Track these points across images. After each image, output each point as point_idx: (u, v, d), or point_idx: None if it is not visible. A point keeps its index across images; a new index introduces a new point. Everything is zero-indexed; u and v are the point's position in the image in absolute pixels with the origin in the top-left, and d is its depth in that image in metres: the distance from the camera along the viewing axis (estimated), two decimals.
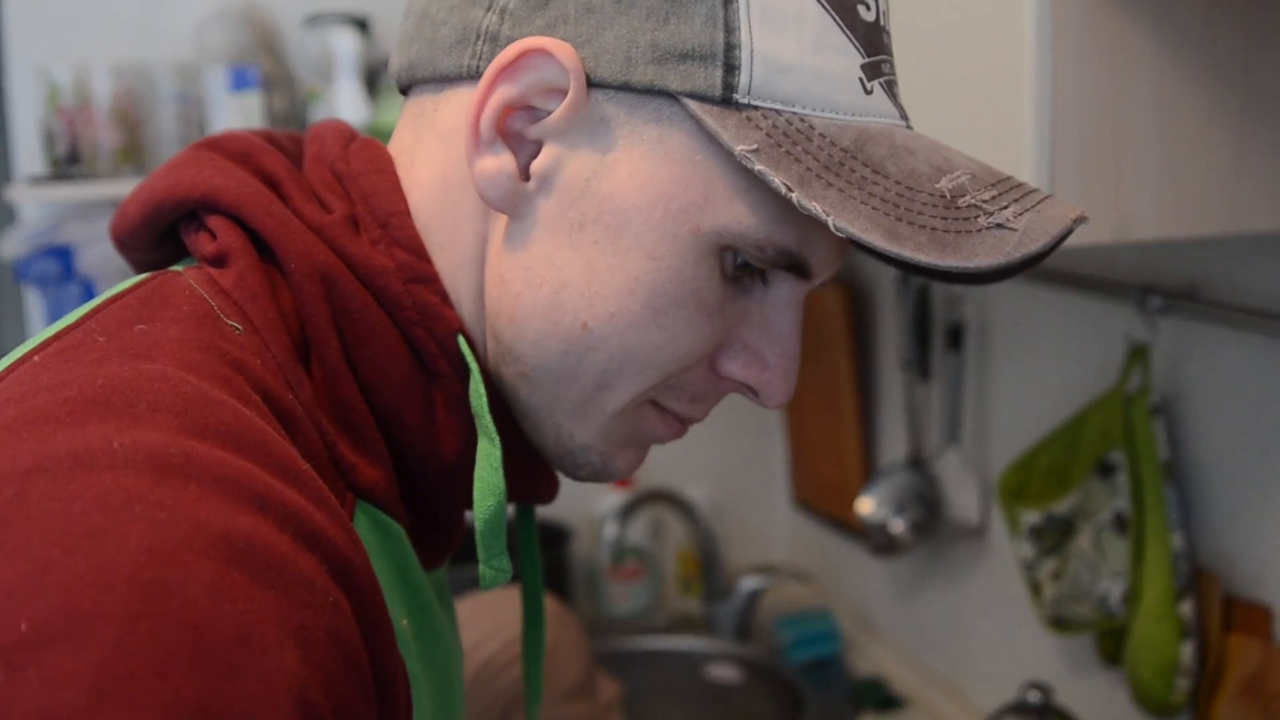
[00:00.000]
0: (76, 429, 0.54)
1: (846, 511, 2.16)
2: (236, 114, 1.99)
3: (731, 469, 2.50)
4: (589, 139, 0.69)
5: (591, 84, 0.68)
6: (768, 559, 2.51)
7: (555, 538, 2.28)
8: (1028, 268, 0.67)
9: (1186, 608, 1.34)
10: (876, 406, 2.16)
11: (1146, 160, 1.01)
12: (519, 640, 1.59)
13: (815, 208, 0.64)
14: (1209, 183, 1.03)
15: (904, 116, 0.73)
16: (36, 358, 0.62)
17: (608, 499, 2.37)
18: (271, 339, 0.68)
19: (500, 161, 0.70)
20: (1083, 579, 1.45)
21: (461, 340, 0.72)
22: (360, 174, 0.75)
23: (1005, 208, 0.66)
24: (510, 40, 0.69)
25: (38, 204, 2.19)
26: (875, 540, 1.94)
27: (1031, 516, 1.49)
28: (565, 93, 0.68)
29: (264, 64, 2.08)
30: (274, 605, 0.52)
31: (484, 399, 0.71)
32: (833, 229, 0.64)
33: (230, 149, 0.75)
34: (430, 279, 0.72)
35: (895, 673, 2.09)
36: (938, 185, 0.67)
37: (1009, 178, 0.70)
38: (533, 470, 0.80)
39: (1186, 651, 1.33)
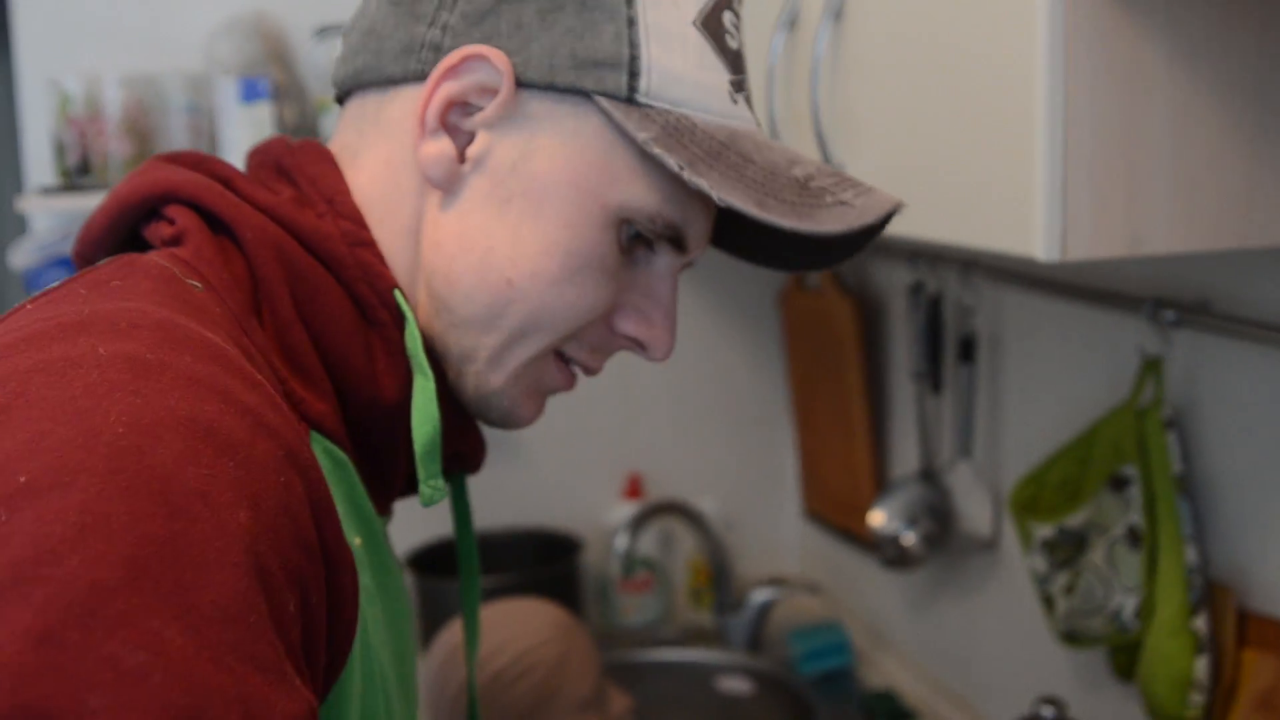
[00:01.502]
0: (68, 341, 0.66)
1: (858, 524, 2.15)
2: (247, 125, 1.99)
3: (742, 481, 2.50)
4: (517, 129, 0.84)
5: (520, 84, 0.83)
6: (779, 571, 2.51)
7: (566, 549, 2.28)
8: (865, 238, 0.87)
9: (1200, 622, 1.34)
10: (888, 419, 2.15)
11: (1159, 174, 1.00)
12: (530, 653, 1.60)
13: (703, 183, 0.80)
14: (1222, 197, 1.03)
15: (759, 124, 0.90)
16: (29, 305, 0.75)
17: (619, 511, 2.37)
18: (226, 294, 0.79)
19: (441, 146, 0.84)
20: (1096, 593, 1.45)
21: (398, 293, 0.85)
22: (306, 164, 0.88)
23: (845, 191, 0.84)
24: (452, 49, 0.83)
25: (49, 214, 2.19)
26: (887, 553, 1.94)
27: (1044, 530, 1.48)
28: (498, 92, 0.83)
29: (275, 75, 2.09)
30: (232, 474, 0.63)
31: (418, 340, 0.84)
32: (716, 199, 0.79)
33: (184, 159, 0.87)
34: (369, 243, 0.85)
35: (907, 686, 2.09)
36: (792, 173, 0.84)
37: (842, 172, 0.88)
38: (458, 426, 0.92)
39: (1201, 666, 1.33)
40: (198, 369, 0.67)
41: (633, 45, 0.82)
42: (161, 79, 2.10)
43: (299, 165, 0.88)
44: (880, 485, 2.14)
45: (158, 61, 2.15)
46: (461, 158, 0.84)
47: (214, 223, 0.82)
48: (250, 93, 2.00)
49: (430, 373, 0.83)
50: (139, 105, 2.06)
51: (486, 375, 0.87)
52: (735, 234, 0.95)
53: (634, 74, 0.82)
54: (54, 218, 2.19)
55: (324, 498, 0.71)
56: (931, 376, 1.89)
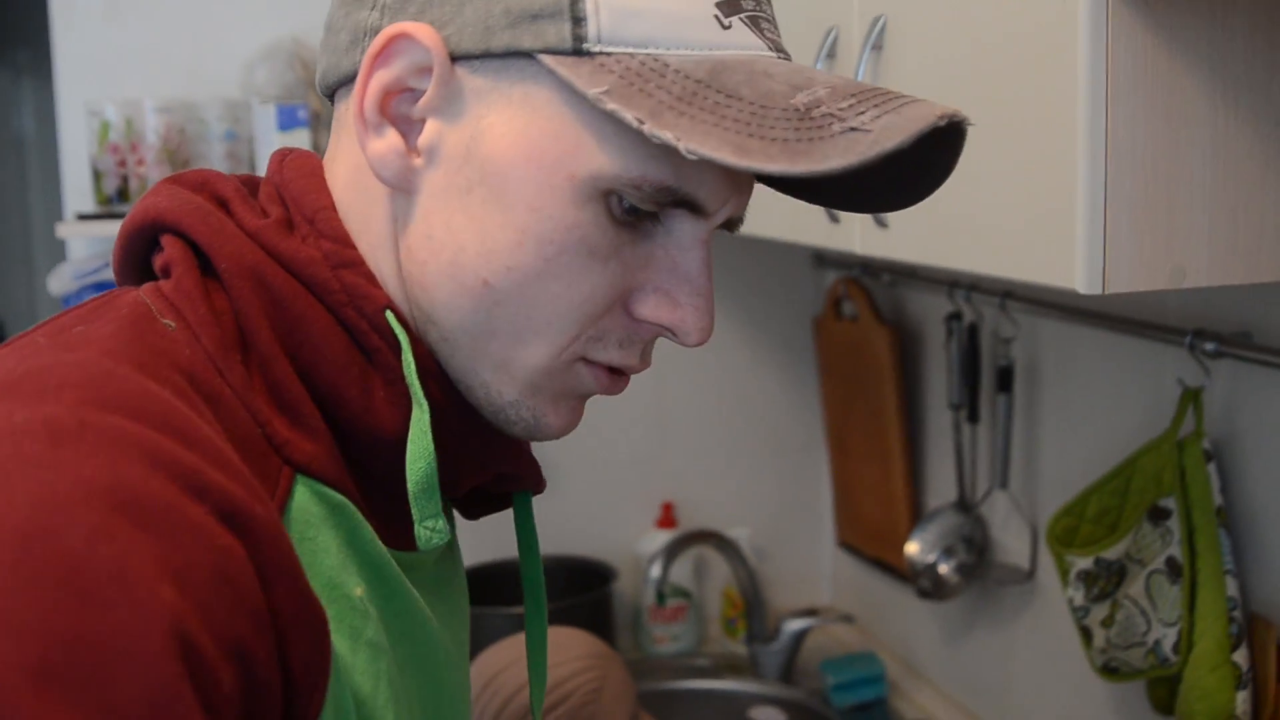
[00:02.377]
0: None
1: (893, 554, 2.15)
2: (274, 150, 2.00)
3: (776, 510, 2.49)
4: (463, 109, 0.74)
5: (458, 57, 0.74)
6: (812, 601, 2.50)
7: (599, 577, 2.28)
8: (944, 159, 0.75)
9: (1241, 656, 1.32)
10: (924, 448, 2.15)
11: (1200, 208, 1.00)
12: (566, 681, 1.59)
13: (667, 135, 0.68)
14: (1263, 230, 1.02)
15: (776, 49, 0.76)
16: None
17: (653, 539, 2.36)
18: (202, 332, 0.73)
19: (388, 142, 0.75)
20: (1135, 625, 1.43)
21: (389, 315, 0.76)
22: (290, 181, 0.80)
23: (862, 113, 0.69)
24: None
25: (87, 241, 2.21)
26: (922, 583, 1.93)
27: (1082, 562, 1.47)
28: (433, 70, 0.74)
29: (311, 102, 2.10)
30: (153, 547, 0.58)
31: (412, 367, 0.76)
32: (684, 152, 0.67)
33: (189, 180, 0.81)
34: (355, 263, 0.77)
35: (942, 717, 2.08)
36: (792, 101, 0.70)
37: (875, 88, 0.72)
38: (496, 445, 0.84)
39: (1241, 700, 1.32)
40: (124, 429, 0.61)
41: None
42: (200, 106, 2.12)
43: (285, 182, 0.81)
44: (916, 515, 2.14)
45: (196, 89, 2.18)
46: (417, 151, 0.76)
47: (201, 251, 0.77)
48: (288, 120, 2.01)
49: (425, 402, 0.76)
50: (178, 132, 2.08)
51: (497, 387, 0.79)
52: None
53: (577, 20, 0.71)
54: (92, 244, 2.21)
55: (280, 557, 0.65)
56: (968, 406, 1.89)
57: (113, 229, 2.02)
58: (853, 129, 0.67)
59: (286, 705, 0.65)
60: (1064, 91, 1.00)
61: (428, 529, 0.76)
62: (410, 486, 0.75)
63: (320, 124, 2.09)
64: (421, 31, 0.73)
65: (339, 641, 0.73)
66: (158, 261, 0.78)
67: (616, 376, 0.81)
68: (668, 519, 2.40)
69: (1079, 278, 1.00)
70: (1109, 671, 1.48)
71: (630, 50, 0.72)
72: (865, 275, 2.22)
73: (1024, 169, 1.08)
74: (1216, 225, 1.01)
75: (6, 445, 0.59)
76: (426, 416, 0.76)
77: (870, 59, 1.32)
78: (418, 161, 0.76)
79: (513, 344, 0.77)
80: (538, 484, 0.91)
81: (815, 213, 1.49)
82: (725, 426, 2.45)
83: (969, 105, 1.16)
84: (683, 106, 0.69)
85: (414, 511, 0.76)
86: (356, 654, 0.75)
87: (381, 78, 0.74)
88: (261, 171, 2.00)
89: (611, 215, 0.74)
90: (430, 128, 0.75)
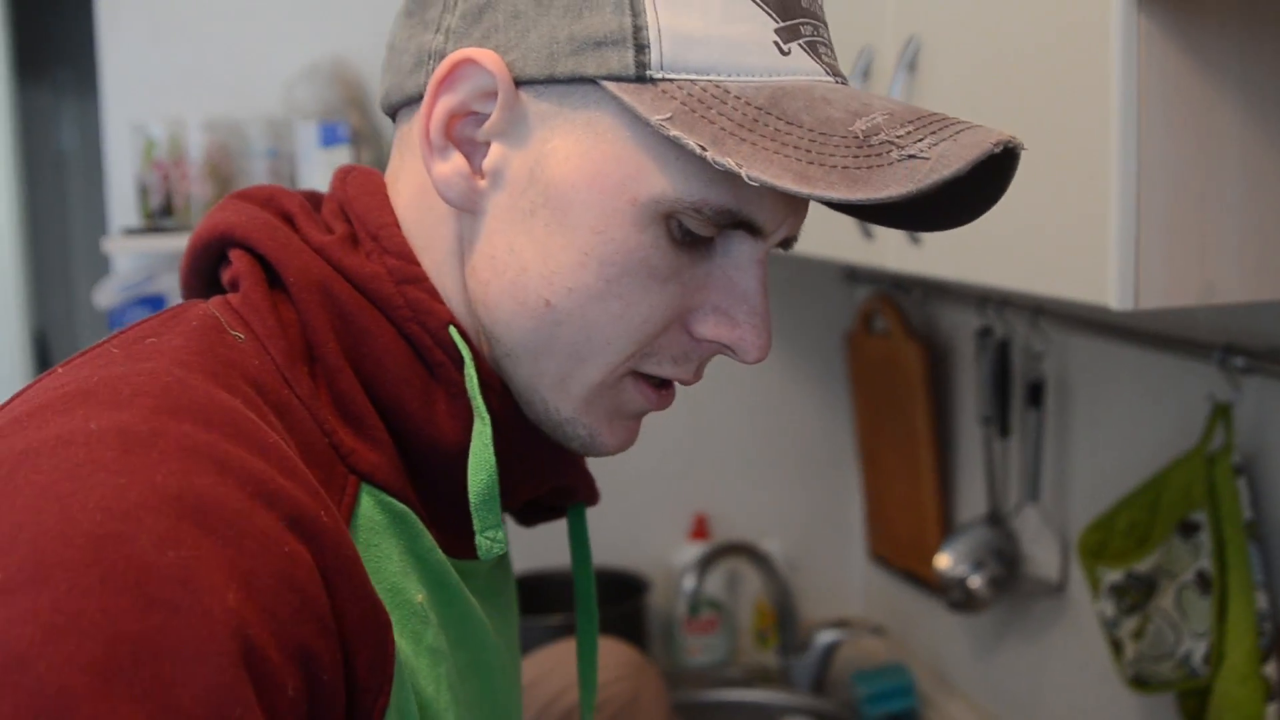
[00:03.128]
0: (65, 415, 0.64)
1: (924, 566, 2.16)
2: (326, 169, 2.04)
3: (808, 522, 2.51)
4: (528, 133, 0.76)
5: (522, 82, 0.75)
6: (843, 613, 2.51)
7: (633, 589, 2.29)
8: (993, 188, 0.75)
9: (1271, 668, 1.34)
10: (955, 462, 2.16)
11: (1231, 224, 1.02)
12: (601, 690, 1.60)
13: (729, 162, 0.69)
14: None
15: (834, 73, 0.77)
16: (60, 369, 0.72)
17: (686, 551, 2.38)
18: (271, 344, 0.75)
19: (453, 165, 0.77)
20: (1165, 638, 1.45)
21: (453, 330, 0.78)
22: (354, 198, 0.83)
23: (920, 140, 0.69)
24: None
25: (132, 255, 2.25)
26: (953, 596, 1.94)
27: (1112, 575, 1.49)
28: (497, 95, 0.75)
29: (353, 120, 2.13)
30: (220, 552, 0.60)
31: (474, 380, 0.77)
32: (746, 179, 0.68)
33: (256, 196, 0.84)
34: (419, 279, 0.79)
35: None
36: (851, 128, 0.70)
37: (932, 114, 0.73)
38: (552, 458, 0.85)
39: (1271, 713, 1.33)
40: (195, 437, 0.64)
41: (635, 14, 0.72)
42: (243, 124, 2.16)
43: (349, 199, 0.83)
44: (947, 528, 2.15)
45: (239, 107, 2.21)
46: (482, 174, 0.77)
47: (269, 265, 0.79)
48: (329, 137, 2.05)
49: (487, 416, 0.78)
50: (221, 149, 2.12)
51: (555, 404, 0.80)
52: None
53: (640, 47, 0.72)
54: (137, 258, 2.25)
55: (344, 563, 0.67)
56: (999, 421, 1.90)
57: (157, 244, 2.05)
58: (911, 156, 0.68)
59: (351, 707, 0.67)
60: (1097, 110, 1.02)
61: (489, 539, 0.78)
62: (472, 498, 0.77)
63: (361, 140, 2.12)
64: (487, 57, 0.74)
65: (402, 646, 0.75)
66: (226, 275, 0.81)
67: (664, 392, 0.83)
68: (701, 531, 2.41)
69: (1112, 294, 1.01)
70: (1139, 683, 1.49)
71: (692, 77, 0.72)
72: (897, 291, 2.24)
73: (1057, 187, 1.09)
74: (1247, 242, 1.02)
75: (82, 451, 0.61)
76: (489, 430, 0.77)
77: (904, 79, 1.34)
78: (482, 184, 0.77)
79: (572, 362, 0.78)
80: (591, 497, 0.93)
81: (849, 229, 1.51)
82: (758, 440, 2.47)
83: (1002, 124, 1.18)
84: (744, 133, 0.70)
85: (475, 522, 0.77)
86: (419, 658, 0.77)
87: (447, 102, 0.76)
88: (305, 187, 2.04)
89: (671, 237, 0.75)
90: (495, 151, 0.77)
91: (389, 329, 0.78)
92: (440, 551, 0.81)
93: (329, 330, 0.77)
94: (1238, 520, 1.36)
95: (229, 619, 0.58)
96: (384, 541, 0.76)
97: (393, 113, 0.85)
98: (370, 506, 0.76)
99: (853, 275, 2.40)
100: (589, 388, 0.79)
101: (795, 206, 0.79)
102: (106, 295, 2.12)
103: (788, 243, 0.82)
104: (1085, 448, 1.77)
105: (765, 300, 0.79)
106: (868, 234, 1.49)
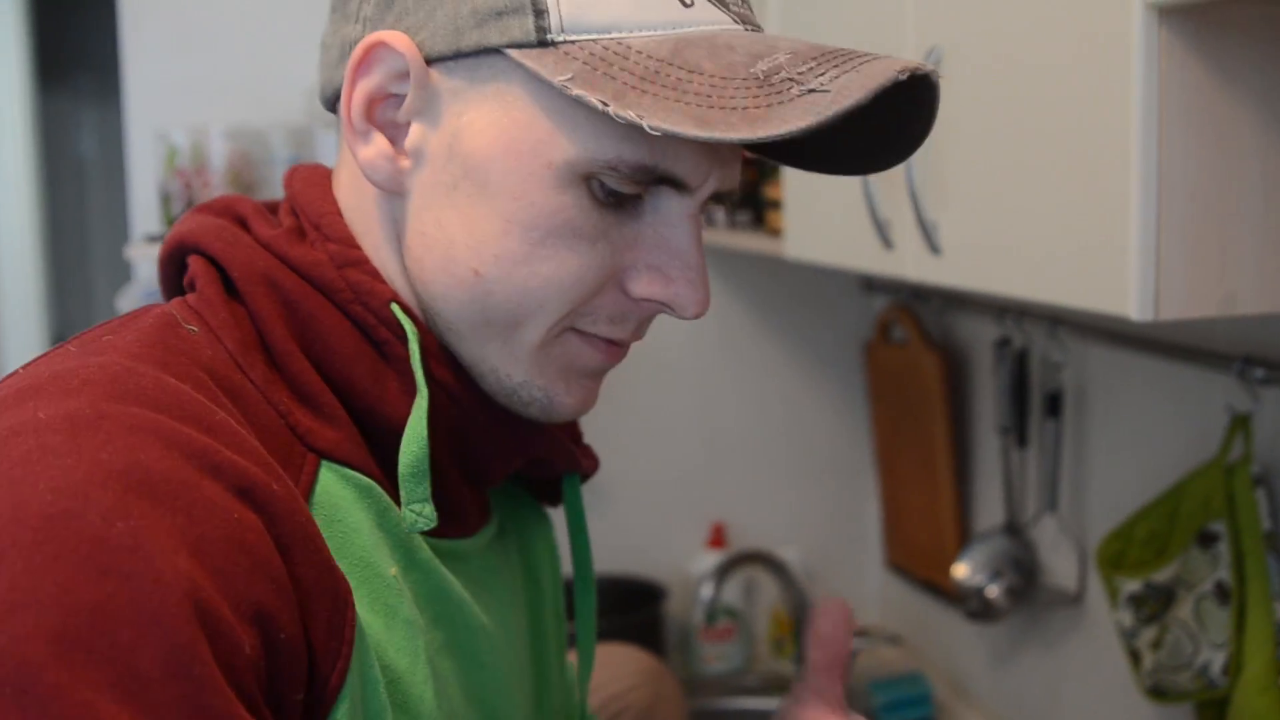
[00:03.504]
0: (16, 409, 0.66)
1: (941, 576, 2.16)
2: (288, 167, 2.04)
3: (826, 531, 2.51)
4: (442, 109, 0.78)
5: (432, 60, 0.77)
6: (860, 621, 2.51)
7: (650, 596, 2.30)
8: (920, 115, 0.75)
9: None
10: (972, 472, 2.16)
11: (1252, 235, 1.02)
12: (619, 698, 1.61)
13: (630, 114, 0.70)
14: None
15: (743, 21, 0.78)
16: (21, 370, 0.74)
17: (704, 559, 2.39)
18: (223, 334, 0.78)
19: (376, 147, 0.79)
20: (1183, 648, 1.45)
21: (395, 307, 0.80)
22: (299, 192, 0.85)
23: (821, 74, 0.70)
24: None
25: (153, 262, 2.25)
26: (970, 605, 1.95)
27: (1131, 585, 1.49)
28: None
29: None
30: (169, 521, 0.62)
31: (417, 355, 0.79)
32: (648, 130, 0.70)
33: (214, 205, 0.87)
34: (360, 262, 0.81)
35: None
36: (753, 69, 0.72)
37: (839, 49, 0.74)
38: (521, 432, 0.87)
39: None
40: (141, 417, 0.66)
41: None
42: (265, 132, 2.17)
43: (295, 194, 0.86)
44: (964, 538, 2.15)
45: (261, 115, 2.23)
46: (404, 154, 0.79)
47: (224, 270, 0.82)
48: None
49: (426, 389, 0.79)
50: (243, 157, 2.13)
51: (504, 370, 0.82)
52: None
53: (539, 12, 0.74)
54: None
55: (297, 528, 0.69)
56: (1017, 431, 1.90)
57: None
58: (811, 90, 0.69)
59: (310, 670, 0.69)
60: (1117, 121, 1.02)
61: (414, 512, 0.79)
62: (400, 469, 0.78)
63: None
64: (396, 39, 0.77)
65: (373, 618, 0.76)
66: (185, 279, 0.84)
67: (613, 346, 0.84)
68: (718, 539, 2.42)
69: (1132, 304, 1.02)
70: (1157, 694, 1.49)
71: (593, 36, 0.74)
72: (915, 300, 2.24)
73: (1078, 197, 1.10)
74: (1267, 253, 1.02)
75: (31, 439, 0.63)
76: (425, 403, 0.79)
77: None
78: (405, 164, 0.80)
79: (509, 328, 0.80)
80: (577, 465, 0.94)
81: (867, 239, 1.51)
82: (776, 448, 2.47)
83: (1023, 134, 1.18)
84: (645, 85, 0.72)
85: (403, 494, 0.78)
86: (393, 630, 0.78)
87: (364, 86, 0.78)
88: None
89: (594, 197, 0.77)
90: (414, 130, 0.79)
91: (334, 312, 0.80)
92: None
93: (277, 318, 0.79)
94: (1256, 531, 1.36)
95: (180, 582, 0.60)
96: (351, 515, 0.77)
97: (331, 108, 0.87)
98: (332, 481, 0.78)
99: (870, 285, 2.40)
100: (530, 349, 0.81)
101: (719, 158, 0.79)
102: (129, 301, 2.14)
103: (722, 198, 0.83)
104: (1103, 458, 1.77)
105: (700, 255, 0.80)
106: (887, 244, 1.50)
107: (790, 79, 0.71)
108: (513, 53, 0.75)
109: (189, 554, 0.61)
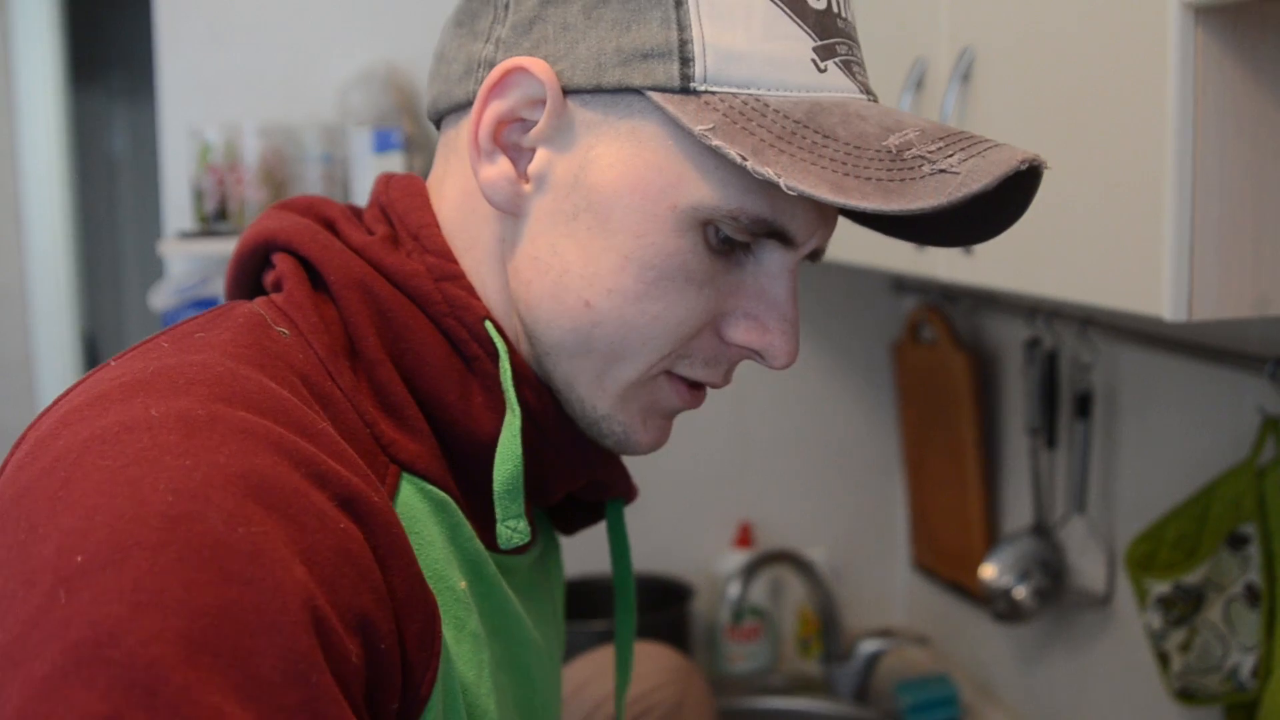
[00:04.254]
0: (125, 404, 0.66)
1: (968, 577, 2.16)
2: (379, 174, 2.05)
3: (852, 531, 2.51)
4: (573, 139, 0.79)
5: (570, 91, 0.78)
6: (887, 622, 2.51)
7: (677, 595, 2.30)
8: (1019, 200, 0.77)
9: None
10: (1001, 473, 2.16)
11: None
12: (647, 695, 1.61)
13: (768, 172, 0.72)
14: None
15: (866, 91, 0.80)
16: (113, 362, 0.75)
17: (731, 559, 2.39)
18: (313, 339, 0.79)
19: (499, 169, 0.80)
20: (1213, 651, 1.45)
21: (489, 325, 0.82)
22: (396, 201, 0.86)
23: (950, 155, 0.72)
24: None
25: (186, 258, 2.27)
26: (997, 606, 1.94)
27: (1160, 587, 1.48)
28: (546, 102, 0.78)
29: (405, 126, 2.15)
30: (283, 529, 0.63)
31: (508, 373, 0.81)
32: (784, 188, 0.71)
33: (297, 204, 0.88)
34: (457, 276, 0.83)
35: None
36: (885, 143, 0.73)
37: (961, 131, 0.76)
38: (588, 452, 0.88)
39: None
40: (250, 421, 0.67)
41: (682, 28, 0.75)
42: (298, 129, 2.18)
43: (391, 202, 0.86)
44: (992, 539, 2.15)
45: (294, 112, 2.24)
46: (526, 178, 0.80)
47: (311, 267, 0.83)
48: (383, 143, 2.07)
49: (519, 408, 0.81)
50: (276, 154, 2.14)
51: (591, 401, 0.83)
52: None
53: (686, 60, 0.75)
54: (191, 261, 2.27)
55: (394, 541, 0.70)
56: (1046, 432, 1.90)
57: (212, 247, 2.08)
58: (942, 170, 0.71)
59: (403, 681, 0.70)
60: (1152, 121, 1.02)
61: (509, 528, 0.81)
62: (495, 486, 0.80)
63: (414, 147, 2.14)
64: (537, 66, 0.77)
65: (446, 629, 0.78)
66: (269, 278, 0.85)
67: (696, 391, 0.85)
68: (745, 539, 2.42)
69: (1165, 305, 1.02)
70: (1186, 696, 1.49)
71: (733, 90, 0.76)
72: (944, 301, 2.24)
73: (1112, 197, 1.10)
74: None
75: (146, 436, 0.64)
76: (518, 422, 0.81)
77: (958, 90, 1.35)
78: (527, 188, 0.80)
79: (608, 361, 0.81)
80: (629, 492, 0.96)
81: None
82: (804, 448, 2.48)
83: (1057, 134, 1.19)
84: (782, 145, 0.73)
85: (498, 510, 0.80)
86: (461, 643, 0.79)
87: (496, 108, 0.79)
88: (356, 193, 2.06)
89: (708, 244, 0.78)
90: (540, 156, 0.80)
91: (427, 324, 0.81)
92: (479, 541, 0.84)
93: (369, 326, 0.80)
94: None
95: (298, 590, 0.62)
96: (426, 528, 0.79)
97: (438, 119, 0.89)
98: (411, 494, 0.79)
99: (900, 285, 2.40)
100: (624, 385, 0.82)
101: (826, 218, 0.82)
102: (162, 298, 2.15)
103: (816, 254, 0.85)
104: (1132, 459, 1.77)
105: (795, 308, 0.82)
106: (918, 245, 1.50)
107: (921, 157, 0.72)
108: (654, 95, 0.76)
109: (303, 563, 0.63)
